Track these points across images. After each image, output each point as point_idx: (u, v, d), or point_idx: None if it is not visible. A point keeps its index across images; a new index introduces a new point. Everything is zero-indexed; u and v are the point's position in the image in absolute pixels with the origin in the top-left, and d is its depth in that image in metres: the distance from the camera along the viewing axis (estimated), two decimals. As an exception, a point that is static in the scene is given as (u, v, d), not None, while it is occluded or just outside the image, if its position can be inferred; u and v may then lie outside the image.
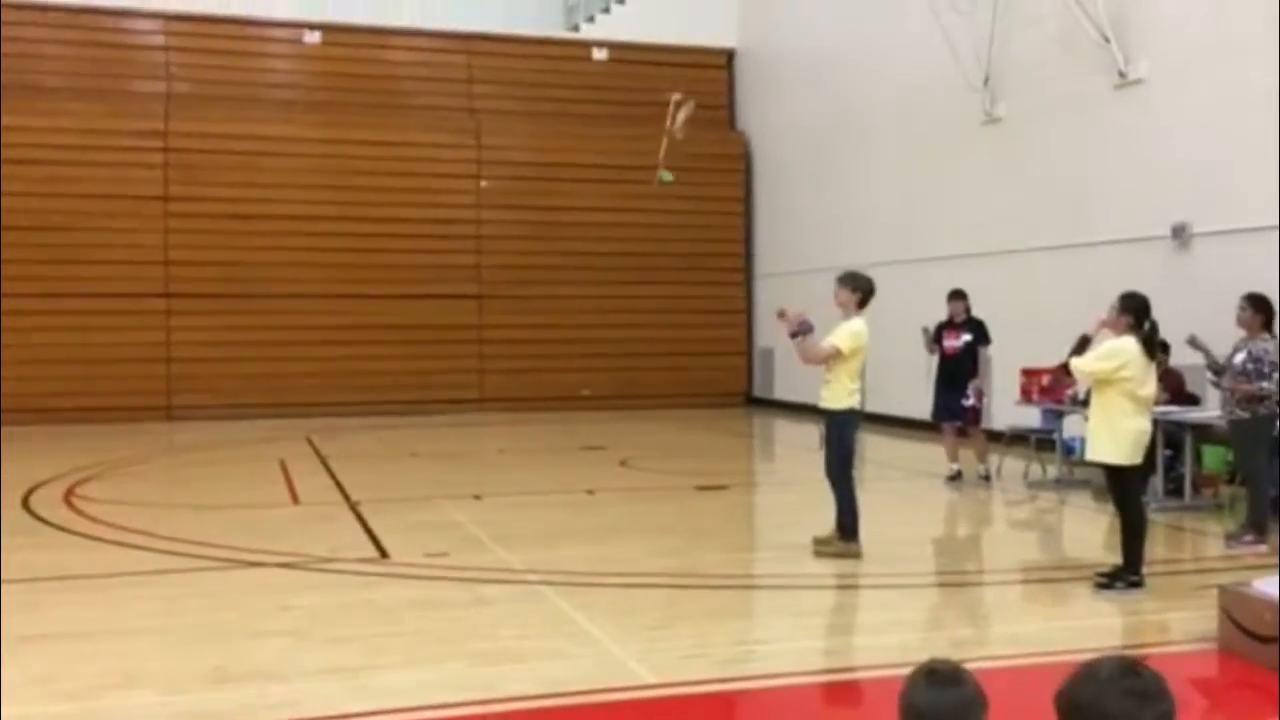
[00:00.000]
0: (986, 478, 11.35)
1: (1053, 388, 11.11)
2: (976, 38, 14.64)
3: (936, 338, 11.64)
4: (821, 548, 7.75)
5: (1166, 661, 5.14)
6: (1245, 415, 8.24)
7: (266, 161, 18.86)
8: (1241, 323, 8.47)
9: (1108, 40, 12.50)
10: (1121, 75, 12.52)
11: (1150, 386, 6.77)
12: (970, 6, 14.71)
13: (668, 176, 9.13)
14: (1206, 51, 11.55)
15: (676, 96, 8.55)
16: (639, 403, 19.88)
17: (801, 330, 7.81)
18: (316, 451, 14.06)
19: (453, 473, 12.84)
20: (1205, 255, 11.45)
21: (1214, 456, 10.03)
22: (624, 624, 5.99)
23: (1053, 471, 11.36)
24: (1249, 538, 8.04)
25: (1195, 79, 11.69)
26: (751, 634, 6.32)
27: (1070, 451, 11.29)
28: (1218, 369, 8.66)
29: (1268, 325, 8.43)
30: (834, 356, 7.66)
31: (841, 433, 7.78)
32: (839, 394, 7.71)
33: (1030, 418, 11.98)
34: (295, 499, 10.68)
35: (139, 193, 18.28)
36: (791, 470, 13.97)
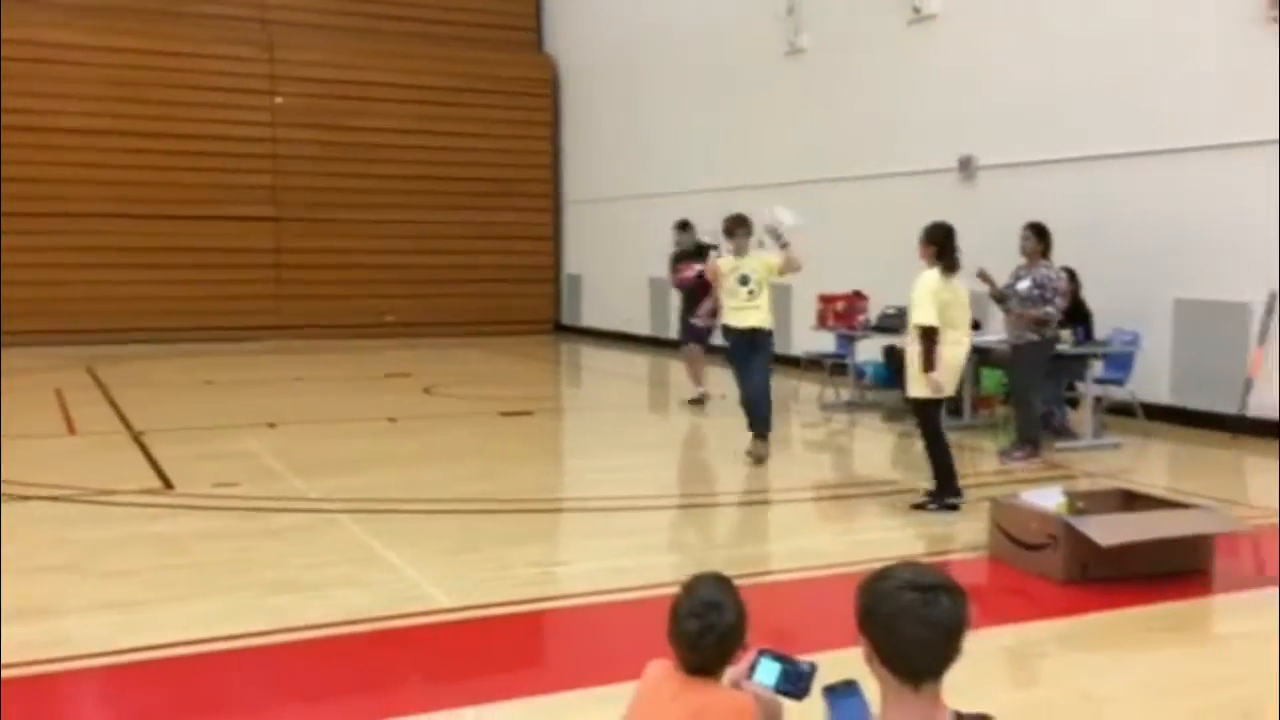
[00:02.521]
0: (699, 400, 11.47)
1: (846, 314, 11.48)
2: (780, -33, 14.81)
3: (672, 269, 11.82)
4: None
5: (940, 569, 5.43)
6: (1034, 338, 8.66)
7: (45, 70, 17.48)
8: (1024, 251, 8.86)
9: (904, -25, 12.84)
10: (915, 10, 12.88)
11: (958, 310, 6.92)
12: (775, -64, 14.86)
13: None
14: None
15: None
16: (445, 330, 19.60)
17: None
18: (98, 380, 13.32)
19: (246, 401, 12.37)
20: (989, 187, 12.01)
21: (992, 379, 10.62)
22: (422, 549, 5.92)
23: (846, 395, 11.79)
24: (1020, 453, 8.53)
25: (984, 17, 12.13)
26: (551, 556, 6.35)
27: (862, 375, 11.74)
28: (1002, 297, 8.99)
29: (1047, 253, 8.87)
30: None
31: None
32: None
33: (826, 343, 12.39)
34: (72, 429, 10.10)
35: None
36: (597, 396, 14.07)
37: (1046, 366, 8.87)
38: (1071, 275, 9.40)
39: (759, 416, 8.56)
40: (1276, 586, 5.35)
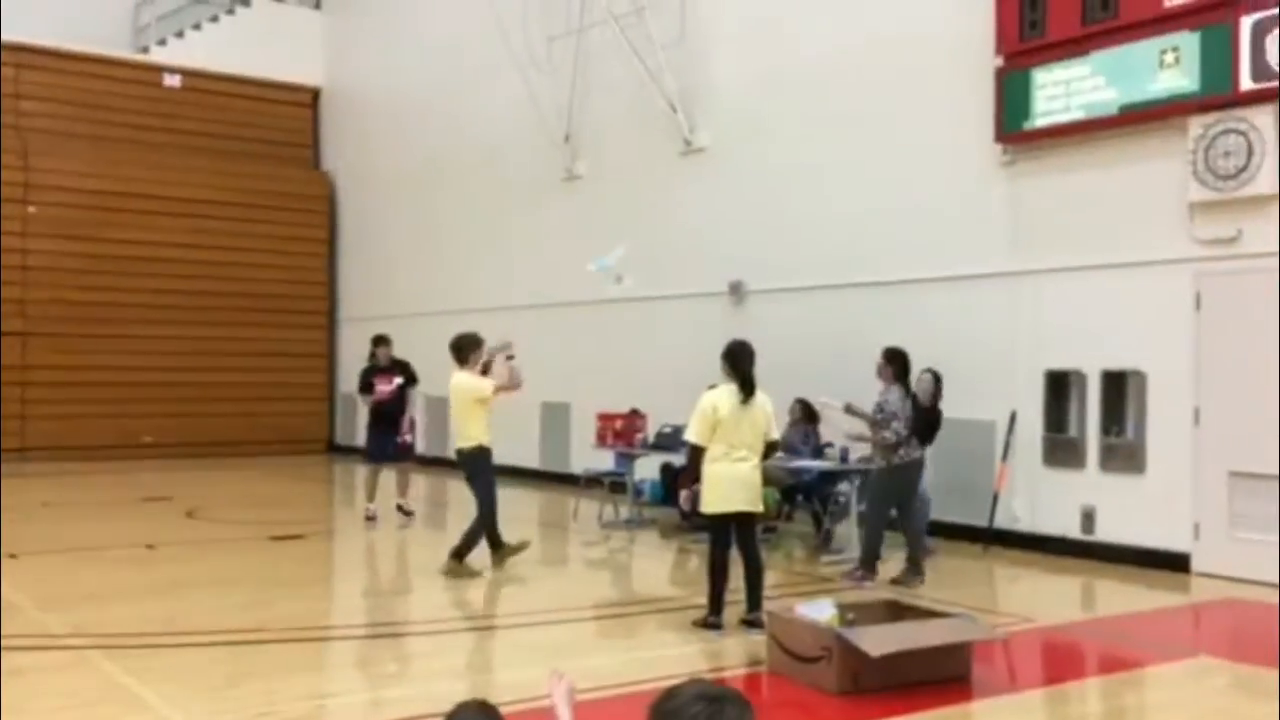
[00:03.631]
0: (410, 513, 11.85)
1: (625, 432, 11.67)
2: (558, 97, 15.29)
3: (366, 385, 12.06)
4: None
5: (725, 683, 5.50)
6: (883, 463, 8.70)
7: None
8: (879, 375, 8.88)
9: (675, 110, 13.49)
10: (686, 143, 13.53)
11: (741, 431, 6.99)
12: (552, 67, 15.37)
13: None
14: (757, 129, 12.74)
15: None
16: (212, 450, 18.71)
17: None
18: None
19: (-15, 530, 11.38)
20: (759, 310, 12.56)
21: (769, 497, 10.89)
22: (184, 687, 5.56)
23: (624, 512, 11.90)
24: (858, 573, 8.58)
25: (751, 152, 12.85)
26: (321, 688, 6.07)
27: (640, 493, 11.90)
28: (874, 423, 8.79)
29: (900, 376, 8.81)
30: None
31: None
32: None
33: (605, 461, 12.52)
34: None
35: None
36: (400, 520, 13.66)
37: (895, 491, 8.76)
38: (936, 380, 9.46)
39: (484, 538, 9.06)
40: (1033, 690, 5.68)
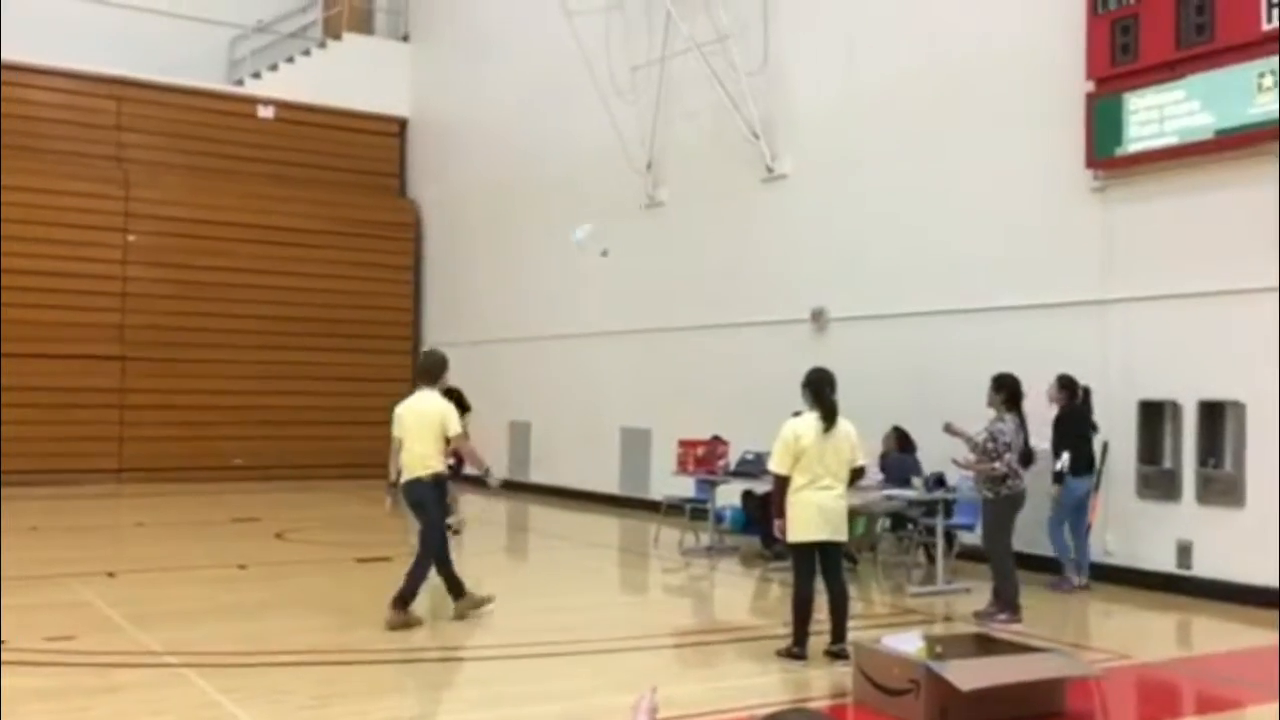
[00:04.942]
0: (457, 531, 11.69)
1: (706, 459, 11.64)
2: (641, 125, 15.40)
3: None
4: None
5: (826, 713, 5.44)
6: (989, 495, 8.38)
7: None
8: (989, 403, 8.59)
9: (757, 137, 13.50)
10: (769, 170, 13.53)
11: (825, 459, 6.92)
12: (635, 95, 15.50)
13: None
14: (840, 155, 12.69)
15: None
16: (299, 473, 19.04)
17: None
18: (-82, 526, 12.46)
19: (82, 549, 11.72)
20: (841, 337, 12.48)
21: (857, 524, 10.74)
22: (275, 707, 5.66)
23: (705, 540, 11.86)
24: (1003, 616, 8.12)
25: (833, 179, 12.80)
26: (410, 710, 6.14)
27: (721, 520, 11.86)
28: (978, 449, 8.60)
29: (1011, 404, 8.52)
30: None
31: None
32: None
33: (685, 488, 12.50)
34: (-112, 580, 9.38)
35: None
36: (453, 540, 13.78)
37: (1008, 520, 8.42)
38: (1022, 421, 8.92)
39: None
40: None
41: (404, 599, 7.71)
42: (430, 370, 8.34)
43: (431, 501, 7.99)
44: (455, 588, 8.13)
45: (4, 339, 17.43)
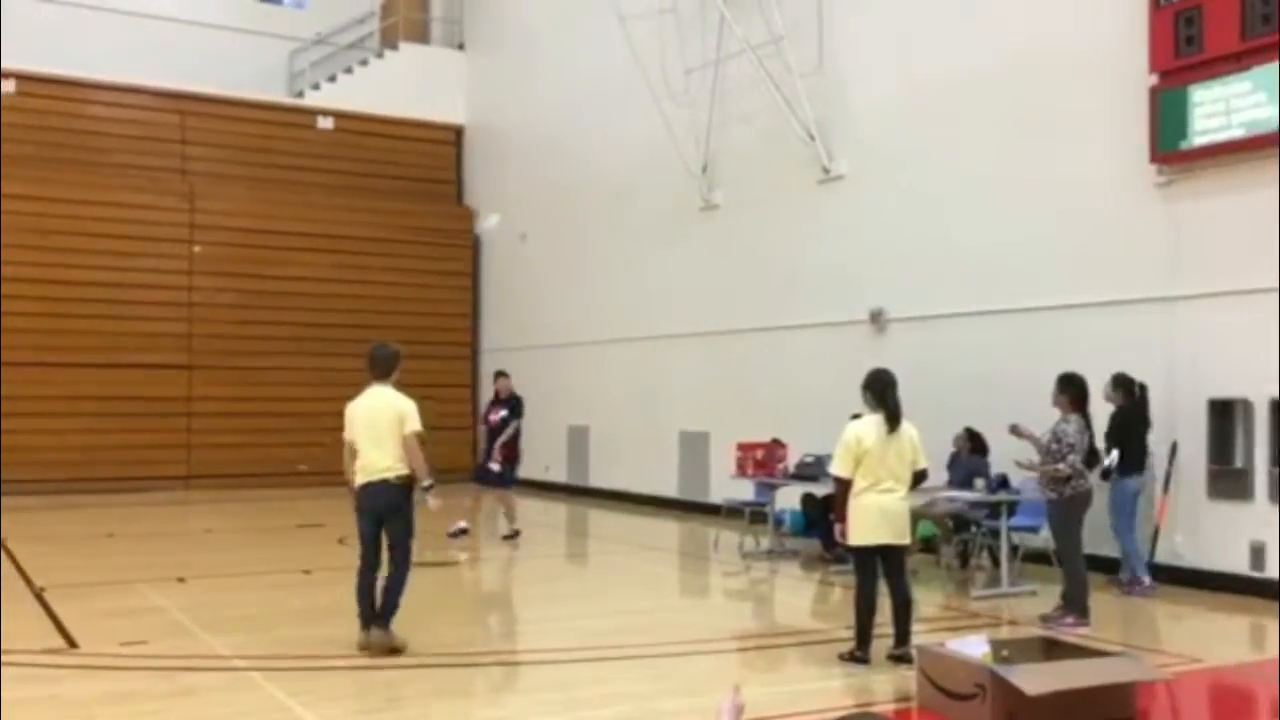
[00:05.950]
0: (512, 536, 12.55)
1: (765, 462, 11.60)
2: (695, 128, 15.40)
3: (486, 415, 13.27)
4: None
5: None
6: (1053, 495, 8.26)
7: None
8: (1054, 403, 8.48)
9: (812, 138, 13.44)
10: (825, 171, 13.46)
11: (887, 462, 6.87)
12: (689, 99, 15.50)
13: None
14: (897, 154, 12.59)
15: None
16: (360, 479, 19.24)
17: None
18: (-4, 533, 12.79)
19: (154, 555, 11.97)
20: (900, 338, 12.38)
21: (925, 527, 10.65)
22: (344, 709, 5.74)
23: (765, 543, 11.82)
24: (1070, 619, 8.02)
25: (889, 178, 12.70)
26: (477, 713, 6.18)
27: (780, 523, 11.81)
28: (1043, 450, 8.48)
29: (1078, 404, 8.41)
30: None
31: None
32: None
33: (745, 491, 12.46)
34: (-32, 586, 9.64)
35: None
36: (520, 547, 13.88)
37: (1076, 520, 8.27)
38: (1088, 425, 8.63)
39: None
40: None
41: (385, 615, 7.09)
42: (383, 363, 7.63)
43: (400, 508, 7.23)
44: (372, 612, 7.19)
45: (77, 350, 17.87)
